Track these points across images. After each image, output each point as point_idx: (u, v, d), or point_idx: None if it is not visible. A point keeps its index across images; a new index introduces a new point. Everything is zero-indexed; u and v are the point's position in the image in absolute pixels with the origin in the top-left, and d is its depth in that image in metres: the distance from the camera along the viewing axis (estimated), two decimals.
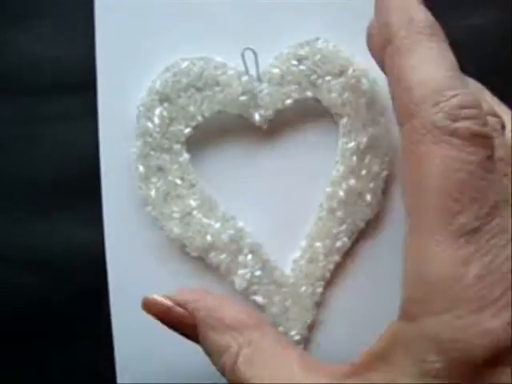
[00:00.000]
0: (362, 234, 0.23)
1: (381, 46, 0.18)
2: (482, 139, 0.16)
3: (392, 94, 0.18)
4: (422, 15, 0.17)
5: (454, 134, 0.16)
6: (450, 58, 0.17)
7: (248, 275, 0.23)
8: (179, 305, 0.19)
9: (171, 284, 0.23)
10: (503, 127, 0.19)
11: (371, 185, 0.23)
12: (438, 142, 0.16)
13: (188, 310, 0.19)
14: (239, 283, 0.23)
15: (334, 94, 0.23)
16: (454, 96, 0.16)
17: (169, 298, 0.19)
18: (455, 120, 0.16)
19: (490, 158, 0.16)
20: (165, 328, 0.21)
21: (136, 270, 0.23)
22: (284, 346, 0.18)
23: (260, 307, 0.23)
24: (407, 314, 0.16)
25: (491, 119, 0.18)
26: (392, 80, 0.18)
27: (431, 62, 0.16)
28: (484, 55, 0.23)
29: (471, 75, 0.23)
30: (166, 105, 0.22)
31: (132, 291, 0.22)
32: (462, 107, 0.16)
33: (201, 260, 0.23)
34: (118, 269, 0.23)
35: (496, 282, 0.15)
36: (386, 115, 0.23)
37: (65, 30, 0.24)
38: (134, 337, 0.23)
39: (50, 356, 0.25)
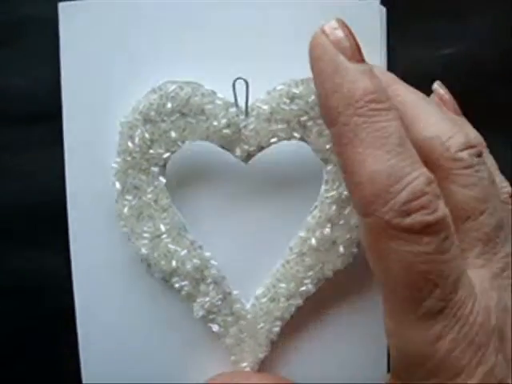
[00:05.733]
0: (329, 281, 0.23)
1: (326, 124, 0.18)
2: (436, 225, 0.16)
3: (345, 181, 0.18)
4: (360, 88, 0.16)
5: (407, 230, 0.16)
6: (395, 133, 0.16)
7: (207, 304, 0.23)
8: None
9: (134, 302, 0.24)
10: (480, 155, 0.19)
11: (347, 236, 0.22)
12: (393, 239, 0.16)
13: None
14: (197, 310, 0.23)
15: (323, 139, 0.22)
16: (402, 189, 0.16)
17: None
18: (407, 215, 0.16)
19: (447, 237, 0.16)
20: (139, 350, 0.23)
21: (101, 288, 0.24)
22: None
23: (215, 335, 0.24)
24: (397, 376, 0.18)
25: (465, 155, 0.19)
26: (340, 165, 0.18)
27: (376, 151, 0.16)
28: (456, 82, 0.24)
29: None
30: (148, 126, 0.22)
31: (98, 310, 0.23)
32: (412, 200, 0.16)
33: (165, 282, 0.23)
34: (84, 288, 0.24)
35: (466, 348, 0.16)
36: None
37: (30, 60, 0.24)
38: (100, 357, 0.24)
39: (20, 378, 0.25)
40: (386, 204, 0.16)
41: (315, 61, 0.17)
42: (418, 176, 0.16)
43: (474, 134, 0.22)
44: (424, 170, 0.16)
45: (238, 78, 0.21)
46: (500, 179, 0.22)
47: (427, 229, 0.16)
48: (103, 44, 0.22)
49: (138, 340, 0.24)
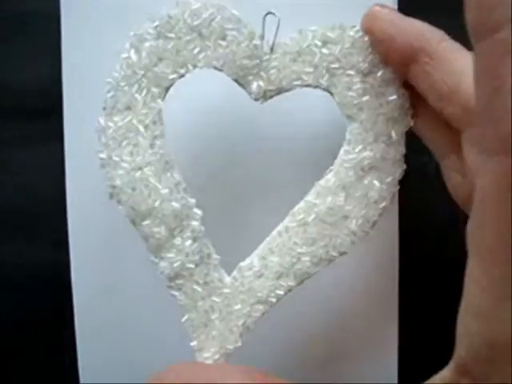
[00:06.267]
0: (330, 266, 0.19)
1: (474, 32, 0.14)
2: None
3: (481, 106, 0.14)
4: None
5: None
6: None
7: (177, 263, 0.18)
8: None
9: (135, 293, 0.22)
10: None
11: (362, 212, 0.19)
12: None
13: None
14: (163, 268, 0.18)
15: (351, 93, 0.19)
16: None
17: None
18: None
19: None
20: (127, 339, 0.22)
21: (100, 281, 0.22)
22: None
23: (179, 306, 0.19)
24: (469, 372, 0.14)
25: None
26: (483, 85, 0.14)
27: None
28: None
29: None
30: (160, 41, 0.19)
31: (96, 301, 0.22)
32: None
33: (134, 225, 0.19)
34: (83, 282, 0.23)
35: None
36: (407, 138, 0.19)
37: (31, 55, 0.24)
38: (98, 350, 0.22)
39: (17, 372, 0.24)
40: None
41: None
42: None
43: None
44: None
45: (268, 13, 0.19)
46: None
47: None
48: (106, 38, 0.22)
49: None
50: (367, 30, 0.19)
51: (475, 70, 0.14)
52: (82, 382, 0.22)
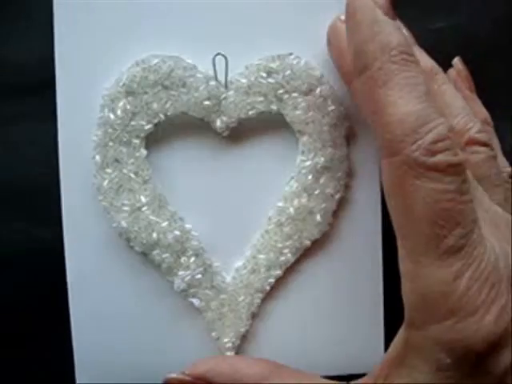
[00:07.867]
0: (307, 251, 0.24)
1: (354, 70, 0.19)
2: (457, 167, 0.18)
3: (370, 123, 0.19)
4: (395, 39, 0.18)
5: (432, 168, 0.17)
6: (422, 83, 0.18)
7: (188, 277, 0.23)
8: (198, 378, 0.21)
9: (126, 275, 0.23)
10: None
11: (323, 205, 0.23)
12: (419, 177, 0.17)
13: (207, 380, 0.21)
14: (178, 284, 0.23)
15: (298, 112, 0.23)
16: (429, 131, 0.17)
17: (188, 374, 0.21)
18: (432, 155, 0.17)
19: (465, 181, 0.18)
20: (124, 326, 0.23)
21: (93, 263, 0.23)
22: (303, 377, 0.21)
23: (197, 310, 0.23)
24: (413, 323, 0.18)
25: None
26: (368, 109, 0.19)
27: (407, 95, 0.17)
28: (447, 56, 0.25)
29: None
30: (130, 98, 0.22)
31: (90, 286, 0.23)
32: (437, 141, 0.17)
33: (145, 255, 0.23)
34: (76, 263, 0.23)
35: (482, 285, 0.17)
36: (349, 139, 0.24)
37: (25, 31, 0.24)
38: (93, 333, 0.23)
39: (8, 354, 0.25)
40: (414, 143, 0.17)
41: (354, 10, 0.19)
42: (443, 122, 0.18)
43: (484, 115, 0.24)
44: (445, 119, 0.18)
45: (217, 54, 0.23)
46: (501, 159, 0.24)
47: (450, 168, 0.17)
48: (98, 14, 0.22)
49: (126, 318, 0.23)
50: (328, 40, 0.22)
51: (361, 96, 0.19)
52: (76, 365, 0.23)
